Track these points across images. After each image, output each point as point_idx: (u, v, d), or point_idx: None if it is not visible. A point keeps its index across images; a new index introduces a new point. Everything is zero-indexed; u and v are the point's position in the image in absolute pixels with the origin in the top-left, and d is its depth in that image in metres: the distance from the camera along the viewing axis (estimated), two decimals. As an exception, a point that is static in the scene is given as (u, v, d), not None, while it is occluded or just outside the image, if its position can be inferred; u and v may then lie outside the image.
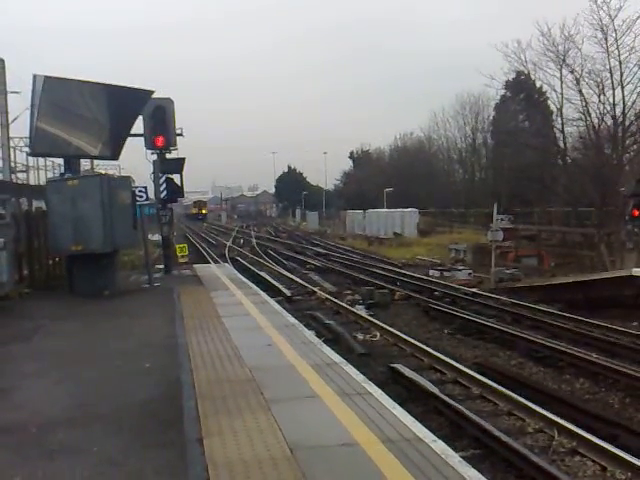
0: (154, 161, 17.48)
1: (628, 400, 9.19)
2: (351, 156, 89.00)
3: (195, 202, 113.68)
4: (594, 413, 8.26)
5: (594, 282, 16.71)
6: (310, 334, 9.32)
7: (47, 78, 13.97)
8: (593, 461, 6.74)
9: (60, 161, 19.95)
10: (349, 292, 20.46)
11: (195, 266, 20.67)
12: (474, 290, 19.97)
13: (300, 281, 22.38)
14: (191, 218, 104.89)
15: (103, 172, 22.21)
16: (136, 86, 15.51)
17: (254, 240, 46.56)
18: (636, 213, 20.27)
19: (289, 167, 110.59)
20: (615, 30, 27.79)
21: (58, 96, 14.42)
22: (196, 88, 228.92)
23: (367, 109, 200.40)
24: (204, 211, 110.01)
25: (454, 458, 4.47)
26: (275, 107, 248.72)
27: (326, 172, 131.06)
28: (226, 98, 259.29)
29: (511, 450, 6.78)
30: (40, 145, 15.30)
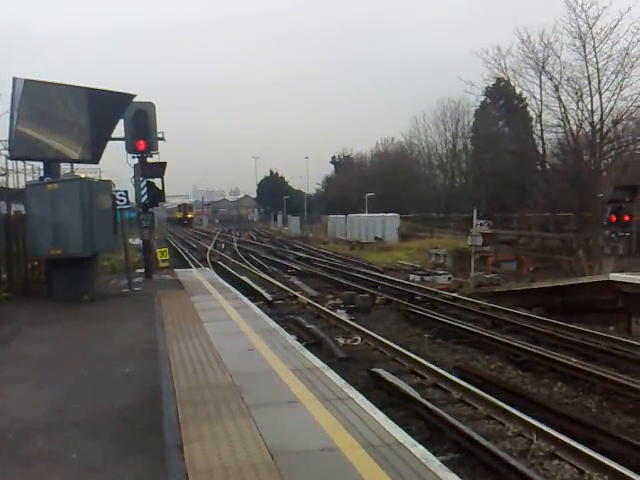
0: (135, 165, 17.41)
1: (605, 404, 9.30)
2: (333, 161, 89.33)
3: (180, 205, 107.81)
4: (572, 417, 8.35)
5: (572, 287, 16.89)
6: (291, 339, 9.31)
7: (27, 81, 13.85)
8: (571, 464, 6.81)
9: (40, 165, 19.76)
10: (330, 296, 20.50)
11: (176, 270, 20.57)
12: (454, 294, 20.10)
13: (282, 285, 22.38)
14: (175, 223, 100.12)
15: (83, 176, 22.04)
16: (117, 90, 15.45)
17: (236, 244, 46.45)
18: (614, 219, 20.51)
19: (271, 171, 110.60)
20: (593, 38, 28.13)
21: (38, 99, 14.31)
22: (178, 92, 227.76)
23: (349, 115, 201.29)
24: (190, 215, 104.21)
25: (434, 462, 4.49)
26: (257, 112, 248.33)
27: (308, 177, 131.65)
28: (208, 102, 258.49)
29: (490, 454, 6.84)
30: (20, 148, 15.15)
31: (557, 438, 7.20)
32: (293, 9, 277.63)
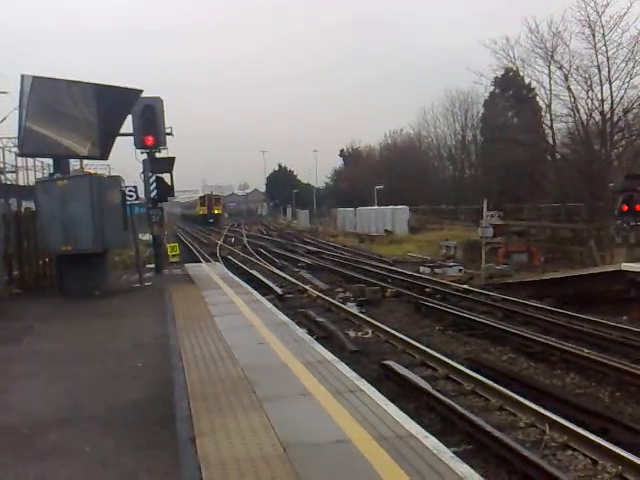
0: (144, 160, 17.44)
1: (618, 394, 9.25)
2: (341, 154, 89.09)
3: (203, 197, 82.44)
4: (585, 407, 8.31)
5: (584, 277, 16.80)
6: (302, 332, 9.33)
7: (35, 78, 13.92)
8: (584, 455, 6.78)
9: (49, 161, 19.85)
10: (340, 290, 20.47)
11: (186, 265, 20.63)
12: (465, 286, 20.02)
13: (291, 279, 22.38)
14: (194, 220, 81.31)
15: (92, 172, 22.13)
16: (125, 85, 15.49)
17: (245, 239, 46.50)
18: (625, 208, 20.37)
19: (280, 165, 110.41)
20: (602, 26, 27.94)
21: (47, 96, 14.38)
22: (187, 89, 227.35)
23: (357, 108, 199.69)
24: (217, 211, 79.99)
25: (446, 454, 4.49)
26: (266, 106, 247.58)
27: (317, 170, 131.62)
28: (216, 98, 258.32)
29: (503, 445, 6.81)
30: (29, 145, 15.24)
31: (570, 429, 7.16)
32: (300, 3, 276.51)
